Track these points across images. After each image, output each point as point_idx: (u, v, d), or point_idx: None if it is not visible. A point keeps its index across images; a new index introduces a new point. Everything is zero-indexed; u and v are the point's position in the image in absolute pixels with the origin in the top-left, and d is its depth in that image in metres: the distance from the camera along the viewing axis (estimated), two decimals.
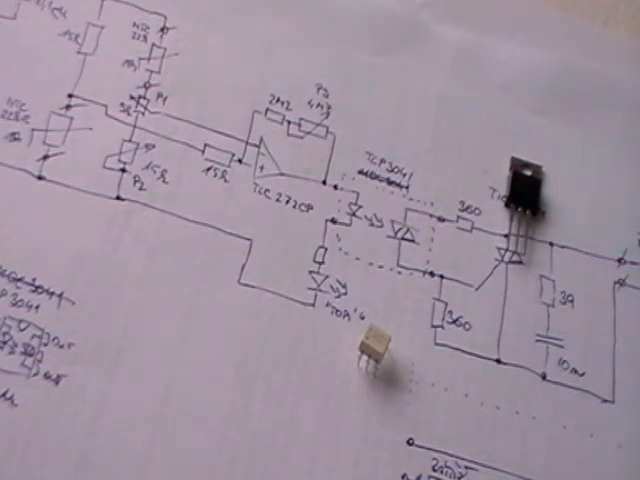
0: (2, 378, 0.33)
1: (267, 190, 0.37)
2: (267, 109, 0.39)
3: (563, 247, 0.38)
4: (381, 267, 0.37)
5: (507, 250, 0.38)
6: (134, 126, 0.37)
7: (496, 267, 0.37)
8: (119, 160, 0.37)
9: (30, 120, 0.36)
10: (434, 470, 0.34)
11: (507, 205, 0.39)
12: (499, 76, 0.41)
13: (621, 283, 0.38)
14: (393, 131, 0.39)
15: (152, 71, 0.38)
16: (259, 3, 0.40)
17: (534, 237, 0.38)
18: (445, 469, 0.34)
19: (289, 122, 0.39)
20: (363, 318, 0.36)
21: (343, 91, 0.40)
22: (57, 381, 0.33)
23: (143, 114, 0.37)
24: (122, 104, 0.37)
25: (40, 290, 0.34)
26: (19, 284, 0.34)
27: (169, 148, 0.37)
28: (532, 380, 0.36)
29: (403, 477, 0.34)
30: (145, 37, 0.39)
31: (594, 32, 0.43)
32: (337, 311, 0.36)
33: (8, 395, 0.32)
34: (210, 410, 0.33)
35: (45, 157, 0.36)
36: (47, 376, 0.33)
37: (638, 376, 0.36)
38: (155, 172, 0.37)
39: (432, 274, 0.37)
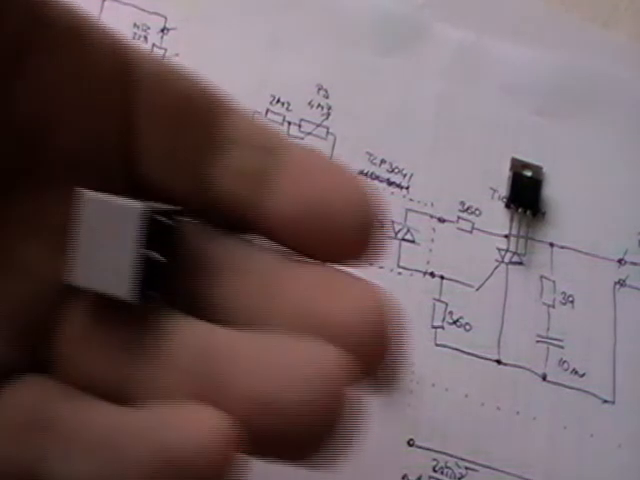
0: None
1: None
2: (267, 110, 0.39)
3: (563, 248, 0.38)
4: (381, 268, 0.37)
5: (507, 251, 0.38)
6: None
7: (496, 268, 0.38)
8: None
9: None
10: (434, 471, 0.34)
11: (507, 206, 0.39)
12: (499, 76, 0.41)
13: (621, 284, 0.38)
14: (393, 131, 0.39)
15: None
16: (259, 3, 0.40)
17: (534, 238, 0.38)
18: (445, 470, 0.34)
19: (289, 123, 0.39)
20: None
21: (343, 91, 0.40)
22: None
23: None
24: None
25: None
26: None
27: None
28: (532, 381, 0.36)
29: (403, 478, 0.34)
30: (145, 37, 0.39)
31: (594, 32, 0.43)
32: None
33: None
34: None
35: None
36: None
37: (638, 377, 0.36)
38: None
39: (432, 275, 0.37)
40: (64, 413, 0.20)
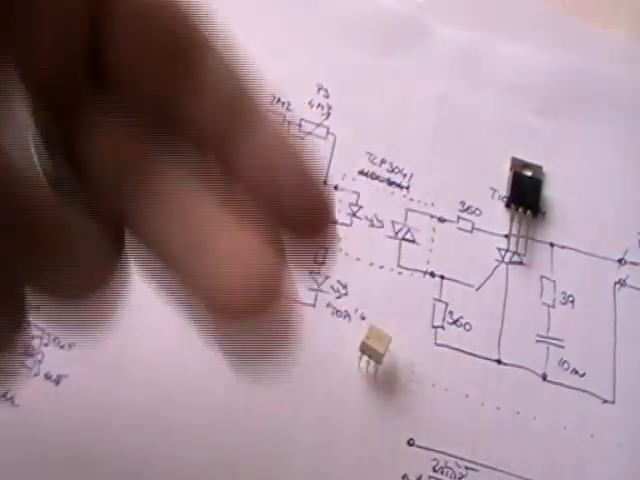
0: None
1: None
2: (267, 110, 0.38)
3: (563, 247, 0.38)
4: (382, 267, 0.37)
5: (507, 250, 0.38)
6: None
7: (496, 267, 0.37)
8: None
9: None
10: (434, 471, 0.34)
11: (507, 206, 0.39)
12: (499, 76, 0.41)
13: (622, 283, 0.38)
14: (393, 131, 0.39)
15: None
16: (259, 3, 0.40)
17: (534, 238, 0.38)
18: (446, 469, 0.34)
19: (289, 122, 0.39)
20: (364, 319, 0.36)
21: (343, 91, 0.40)
22: (57, 381, 0.33)
23: None
24: None
25: None
26: None
27: None
28: (533, 380, 0.36)
29: (403, 477, 0.34)
30: None
31: (594, 32, 0.43)
32: (337, 312, 0.36)
33: (8, 395, 0.32)
34: (210, 410, 0.33)
35: None
36: (47, 376, 0.33)
37: (638, 376, 0.36)
38: None
39: (433, 275, 0.37)
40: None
